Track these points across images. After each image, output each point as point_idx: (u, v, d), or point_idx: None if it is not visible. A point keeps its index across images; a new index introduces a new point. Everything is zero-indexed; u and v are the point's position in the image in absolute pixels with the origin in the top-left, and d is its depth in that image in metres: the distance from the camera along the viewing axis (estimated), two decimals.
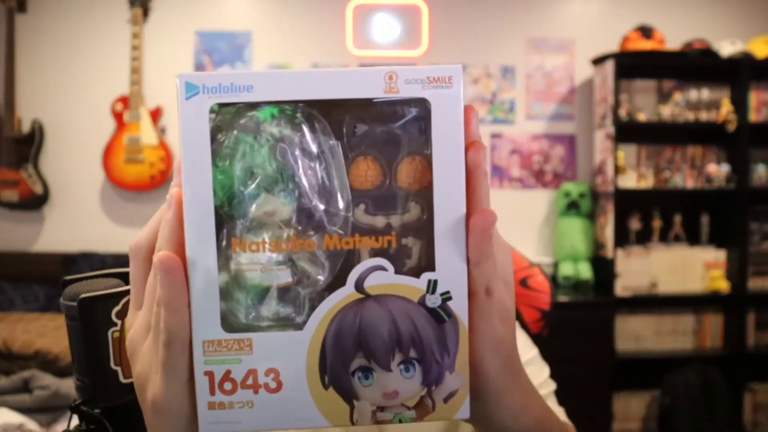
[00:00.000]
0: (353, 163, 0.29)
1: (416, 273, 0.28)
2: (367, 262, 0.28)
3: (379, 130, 0.29)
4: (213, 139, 0.30)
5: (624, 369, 3.11)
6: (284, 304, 0.30)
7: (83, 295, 0.49)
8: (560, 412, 0.76)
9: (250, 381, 0.32)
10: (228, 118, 0.30)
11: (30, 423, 2.07)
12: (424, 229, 0.29)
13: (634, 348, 3.17)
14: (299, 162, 0.29)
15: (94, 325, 0.50)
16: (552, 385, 0.81)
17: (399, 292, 0.26)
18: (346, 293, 0.27)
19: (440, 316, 0.25)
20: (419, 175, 0.30)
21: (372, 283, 0.27)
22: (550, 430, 0.41)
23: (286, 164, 0.29)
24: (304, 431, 0.32)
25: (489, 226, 0.31)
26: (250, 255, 0.29)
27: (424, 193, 0.30)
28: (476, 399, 0.34)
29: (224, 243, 0.30)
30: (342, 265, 0.29)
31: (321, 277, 0.29)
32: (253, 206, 0.30)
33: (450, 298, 0.25)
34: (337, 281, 0.29)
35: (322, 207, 0.29)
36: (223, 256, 0.30)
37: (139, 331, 0.38)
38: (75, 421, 0.52)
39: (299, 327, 0.29)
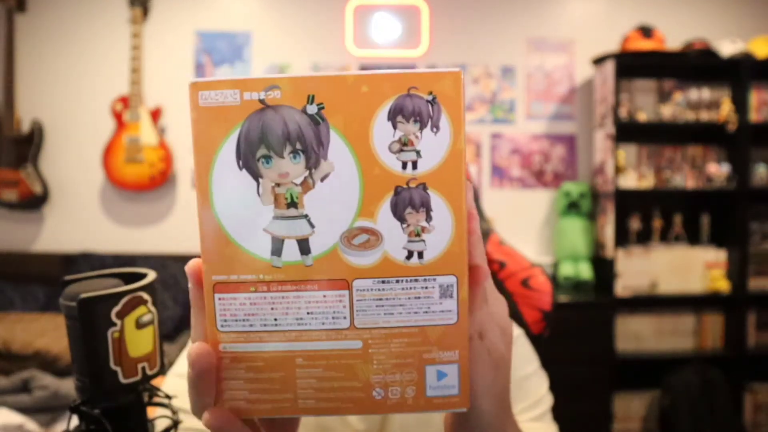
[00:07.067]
0: None
1: None
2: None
3: None
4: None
5: (624, 369, 3.11)
6: None
7: (83, 295, 0.49)
8: (552, 431, 0.75)
9: None
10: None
11: (30, 423, 2.07)
12: None
13: (634, 348, 3.17)
14: None
15: (94, 325, 0.50)
16: (548, 401, 0.79)
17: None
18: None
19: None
20: None
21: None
22: None
23: None
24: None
25: (482, 280, 0.38)
26: None
27: None
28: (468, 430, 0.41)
29: None
30: None
31: None
32: None
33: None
34: None
35: None
36: None
37: None
38: (75, 421, 0.52)
39: None
